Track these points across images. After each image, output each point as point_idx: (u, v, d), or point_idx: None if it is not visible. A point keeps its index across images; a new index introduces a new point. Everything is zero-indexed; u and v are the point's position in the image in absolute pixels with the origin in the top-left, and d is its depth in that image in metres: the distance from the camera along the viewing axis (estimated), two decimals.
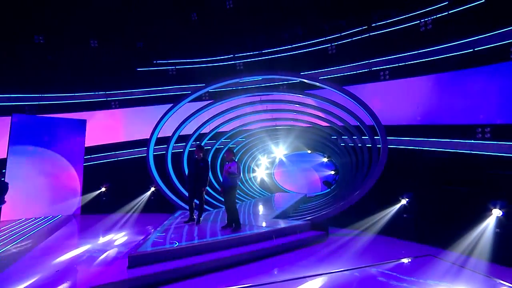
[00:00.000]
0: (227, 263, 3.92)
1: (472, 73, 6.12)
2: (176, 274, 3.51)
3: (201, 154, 5.45)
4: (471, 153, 5.99)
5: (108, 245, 4.97)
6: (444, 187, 5.88)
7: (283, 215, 6.77)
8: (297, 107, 8.16)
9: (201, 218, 5.45)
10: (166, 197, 7.68)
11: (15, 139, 7.44)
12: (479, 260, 4.02)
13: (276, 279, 3.55)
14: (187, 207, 7.47)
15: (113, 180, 8.96)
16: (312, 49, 9.45)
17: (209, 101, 7.94)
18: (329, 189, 11.95)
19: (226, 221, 5.02)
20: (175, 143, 8.25)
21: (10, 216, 7.02)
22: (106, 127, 10.19)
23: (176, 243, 3.93)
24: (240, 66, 10.86)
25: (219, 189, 5.20)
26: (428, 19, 6.78)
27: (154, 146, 10.32)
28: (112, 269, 3.54)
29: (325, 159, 11.76)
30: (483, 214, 4.71)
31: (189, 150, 9.00)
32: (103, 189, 8.39)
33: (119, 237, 5.50)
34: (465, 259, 4.05)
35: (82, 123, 8.46)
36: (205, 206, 7.32)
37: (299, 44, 9.87)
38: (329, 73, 9.14)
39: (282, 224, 5.38)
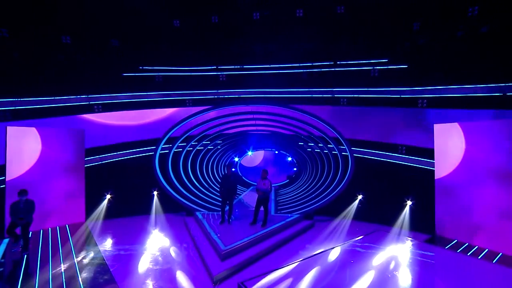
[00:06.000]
0: (273, 248, 5.94)
1: (399, 110, 9.41)
2: (250, 260, 5.33)
3: (230, 171, 7.09)
4: (395, 162, 9.43)
5: (164, 246, 6.22)
6: (380, 183, 9.16)
7: (277, 210, 9.05)
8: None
9: (230, 219, 7.17)
10: (178, 201, 8.86)
11: (12, 152, 7.21)
12: (404, 229, 7.24)
13: (305, 255, 5.77)
14: (195, 206, 8.95)
15: (107, 184, 9.33)
16: (289, 71, 11.58)
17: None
18: (288, 180, 15.01)
19: (252, 219, 6.93)
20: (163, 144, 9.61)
21: None
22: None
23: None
24: (223, 78, 12.14)
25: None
26: (376, 68, 9.78)
27: (142, 148, 11.06)
28: (209, 265, 5.05)
29: (289, 158, 14.50)
30: (403, 203, 8.06)
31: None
32: (108, 196, 8.81)
33: (158, 238, 6.72)
34: (398, 230, 7.21)
35: (81, 132, 8.51)
36: (211, 206, 8.98)
37: (276, 65, 11.83)
38: (301, 93, 11.51)
39: (288, 218, 7.62)
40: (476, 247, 6.19)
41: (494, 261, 5.49)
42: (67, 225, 7.87)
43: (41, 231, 7.36)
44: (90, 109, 10.31)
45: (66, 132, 8.24)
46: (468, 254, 5.85)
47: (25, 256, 5.61)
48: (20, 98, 8.76)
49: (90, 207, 8.55)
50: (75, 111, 9.91)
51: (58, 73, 9.71)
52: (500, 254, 5.78)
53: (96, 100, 10.27)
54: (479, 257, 5.70)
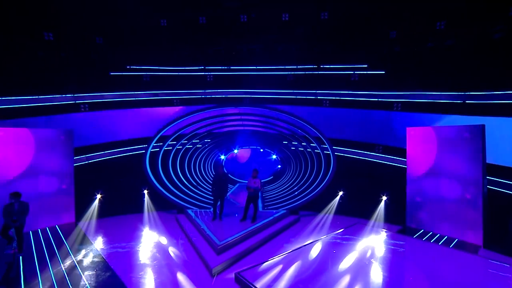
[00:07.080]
0: (263, 241, 6.46)
1: (374, 113, 10.22)
2: (243, 253, 5.80)
3: (221, 170, 7.48)
4: (373, 160, 10.28)
5: (159, 242, 6.53)
6: (358, 180, 9.97)
7: (264, 206, 9.58)
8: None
9: (221, 216, 7.59)
10: (169, 199, 9.11)
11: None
12: (380, 222, 8.06)
13: (292, 247, 6.34)
14: (186, 205, 9.26)
15: (97, 183, 9.35)
16: (276, 73, 12.06)
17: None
18: (272, 177, 15.63)
19: (242, 215, 7.39)
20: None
21: None
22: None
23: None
24: (210, 78, 12.37)
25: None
26: (356, 73, 10.51)
27: (131, 147, 11.13)
28: (206, 258, 5.45)
29: (274, 156, 15.10)
30: (379, 197, 8.90)
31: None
32: (99, 196, 8.87)
33: (151, 235, 7.02)
34: (374, 223, 8.02)
35: (70, 133, 8.46)
36: (201, 204, 9.34)
37: (263, 67, 12.25)
38: (287, 94, 12.05)
39: (276, 213, 8.18)
40: (438, 235, 7.14)
41: (451, 246, 6.43)
42: (57, 226, 7.88)
43: (31, 232, 7.33)
44: (77, 108, 10.19)
45: (55, 132, 8.16)
46: (432, 241, 6.75)
47: (21, 257, 5.69)
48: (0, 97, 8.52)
49: (80, 207, 8.57)
50: (61, 110, 9.76)
51: (41, 71, 9.51)
52: (456, 240, 6.77)
53: (83, 99, 10.16)
54: (439, 243, 6.62)
